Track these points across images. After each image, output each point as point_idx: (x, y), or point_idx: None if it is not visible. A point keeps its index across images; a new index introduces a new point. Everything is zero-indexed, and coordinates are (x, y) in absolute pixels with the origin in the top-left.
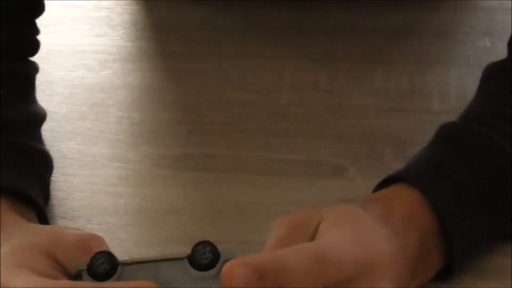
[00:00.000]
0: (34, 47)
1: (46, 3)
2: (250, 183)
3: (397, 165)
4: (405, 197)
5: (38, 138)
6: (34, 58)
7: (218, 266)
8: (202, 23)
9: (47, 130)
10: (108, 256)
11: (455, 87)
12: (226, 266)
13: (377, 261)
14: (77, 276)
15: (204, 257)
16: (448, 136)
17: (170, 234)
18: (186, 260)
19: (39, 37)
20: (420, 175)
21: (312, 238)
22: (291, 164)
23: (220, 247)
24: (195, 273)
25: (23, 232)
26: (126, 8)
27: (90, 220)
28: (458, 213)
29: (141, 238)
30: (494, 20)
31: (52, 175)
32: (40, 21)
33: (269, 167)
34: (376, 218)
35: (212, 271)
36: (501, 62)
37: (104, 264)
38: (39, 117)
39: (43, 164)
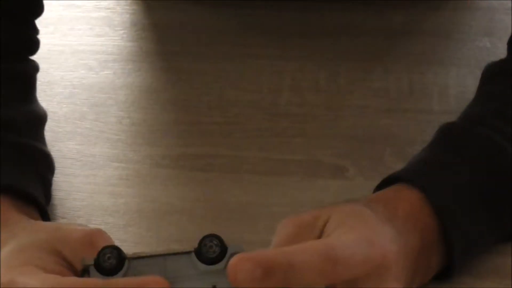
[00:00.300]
0: (34, 46)
1: (46, 3)
2: (250, 183)
3: (397, 165)
4: (406, 197)
5: (40, 138)
6: (34, 58)
7: (225, 260)
8: (202, 24)
9: (47, 130)
10: (115, 250)
11: (455, 87)
12: (232, 261)
13: (386, 261)
14: (84, 271)
15: (211, 251)
16: (448, 136)
17: (170, 234)
18: (193, 254)
19: (39, 37)
20: (421, 175)
21: (319, 238)
22: (291, 164)
23: (227, 241)
24: (202, 266)
25: (27, 230)
26: (126, 8)
27: (90, 220)
28: (458, 213)
29: (141, 238)
30: (494, 20)
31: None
32: (40, 21)
33: (269, 167)
34: (381, 217)
35: (219, 265)
36: (501, 62)
37: (111, 259)
38: (40, 116)
39: (44, 164)
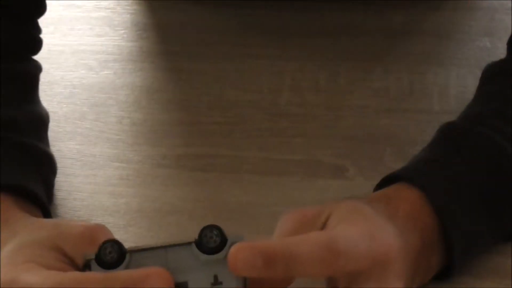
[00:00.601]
0: (36, 45)
1: (47, 3)
2: (250, 183)
3: (397, 165)
4: (406, 197)
5: (42, 139)
6: (34, 58)
7: (225, 249)
8: (203, 24)
9: None
10: (116, 244)
11: (455, 87)
12: (232, 249)
13: (389, 257)
14: (85, 266)
15: (212, 241)
16: (449, 136)
17: (171, 234)
18: (193, 245)
19: (41, 37)
20: (421, 174)
21: None
22: (291, 164)
23: (227, 232)
24: (203, 257)
25: (28, 228)
26: (127, 8)
27: (90, 220)
28: (458, 213)
29: (141, 238)
30: (494, 20)
31: None
32: (40, 21)
33: (269, 167)
34: (382, 216)
35: (220, 254)
36: (501, 62)
37: (112, 253)
38: (42, 117)
39: (46, 165)
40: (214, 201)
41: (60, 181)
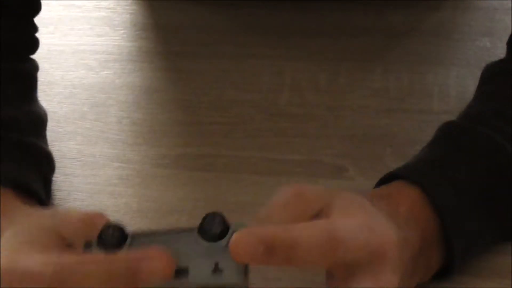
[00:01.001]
0: (34, 45)
1: (46, 3)
2: (250, 183)
3: (397, 165)
4: (407, 195)
5: (42, 138)
6: (34, 58)
7: (228, 236)
8: (202, 23)
9: (47, 130)
10: (118, 227)
11: (455, 87)
12: (234, 236)
13: (386, 250)
14: (86, 248)
15: (214, 228)
16: (449, 135)
17: None
18: (196, 232)
19: (38, 36)
20: (421, 173)
21: (312, 218)
22: (291, 164)
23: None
24: (205, 244)
25: (28, 216)
26: (127, 8)
27: None
28: (458, 212)
29: None
30: (494, 20)
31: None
32: (40, 21)
33: (269, 167)
34: (383, 212)
35: (222, 242)
36: (501, 62)
37: (114, 235)
38: (41, 116)
39: (46, 164)
40: (214, 201)
41: (60, 181)
